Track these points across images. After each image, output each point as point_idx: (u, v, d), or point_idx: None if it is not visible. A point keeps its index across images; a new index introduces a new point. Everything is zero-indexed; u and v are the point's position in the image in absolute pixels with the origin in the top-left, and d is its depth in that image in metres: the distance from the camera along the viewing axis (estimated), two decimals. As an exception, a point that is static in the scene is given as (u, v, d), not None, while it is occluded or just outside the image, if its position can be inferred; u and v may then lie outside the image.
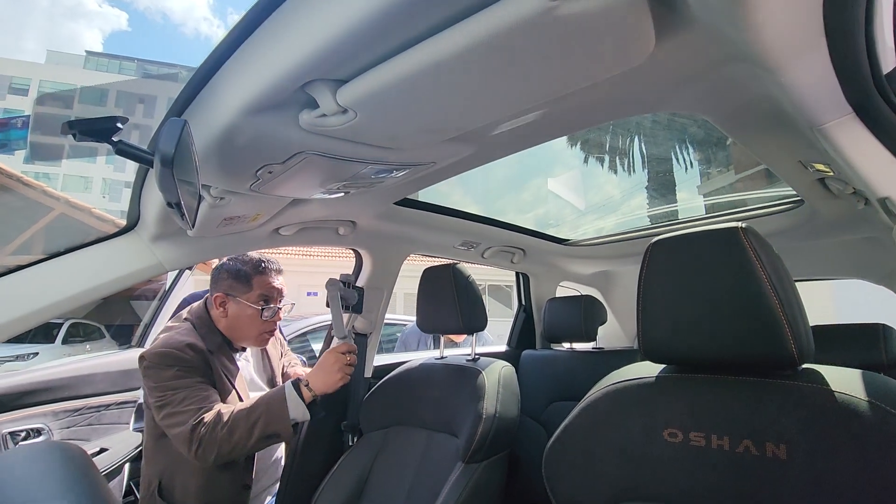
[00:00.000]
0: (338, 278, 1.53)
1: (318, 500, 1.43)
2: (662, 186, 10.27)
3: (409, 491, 1.34)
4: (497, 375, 1.38)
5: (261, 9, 0.49)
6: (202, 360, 1.27)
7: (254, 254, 1.39)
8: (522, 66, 0.52)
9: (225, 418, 1.17)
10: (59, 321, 8.46)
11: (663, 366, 0.89)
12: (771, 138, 0.92)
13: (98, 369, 1.71)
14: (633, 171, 11.04)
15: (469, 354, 1.56)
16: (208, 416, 1.16)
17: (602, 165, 11.34)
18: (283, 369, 1.61)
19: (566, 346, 2.14)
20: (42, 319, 1.07)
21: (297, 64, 0.51)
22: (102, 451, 1.67)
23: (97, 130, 0.59)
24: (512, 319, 2.38)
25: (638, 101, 0.84)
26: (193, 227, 0.76)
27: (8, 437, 1.36)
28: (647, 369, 0.90)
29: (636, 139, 10.48)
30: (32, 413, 1.46)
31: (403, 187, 1.21)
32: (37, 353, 7.11)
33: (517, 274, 2.34)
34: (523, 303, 2.35)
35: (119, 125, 0.61)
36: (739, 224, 0.77)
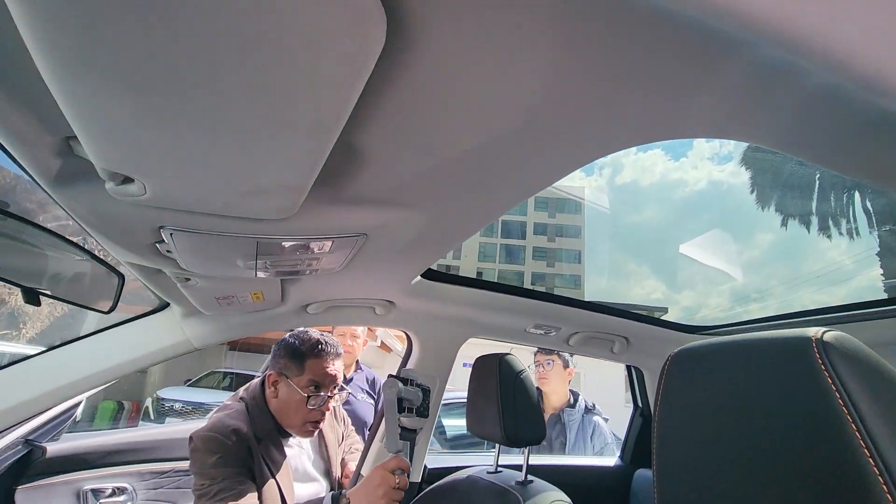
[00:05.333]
0: (398, 375, 1.27)
1: None
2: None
3: None
4: None
5: None
6: (245, 449, 1.19)
7: (314, 332, 1.28)
8: None
9: None
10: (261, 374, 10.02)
11: None
12: None
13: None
14: (857, 234, 8.70)
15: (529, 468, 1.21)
16: None
17: (808, 230, 9.24)
18: (342, 457, 1.48)
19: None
20: (83, 390, 1.16)
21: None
22: (187, 516, 1.73)
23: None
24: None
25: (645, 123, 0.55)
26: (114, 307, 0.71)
27: (90, 493, 1.49)
28: None
29: (855, 194, 8.31)
30: (118, 472, 1.59)
31: (409, 259, 1.03)
32: (244, 399, 8.36)
33: (627, 366, 1.86)
34: (640, 405, 1.84)
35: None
36: (820, 330, 0.40)
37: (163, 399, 8.11)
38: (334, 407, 1.49)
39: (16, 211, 0.65)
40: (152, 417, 8.07)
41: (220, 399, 8.13)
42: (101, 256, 0.77)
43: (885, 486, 0.35)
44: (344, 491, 1.11)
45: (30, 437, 1.32)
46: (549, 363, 2.19)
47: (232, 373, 10.24)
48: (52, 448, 1.39)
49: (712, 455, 0.46)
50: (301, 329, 1.29)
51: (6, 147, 0.45)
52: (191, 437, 1.19)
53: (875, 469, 0.35)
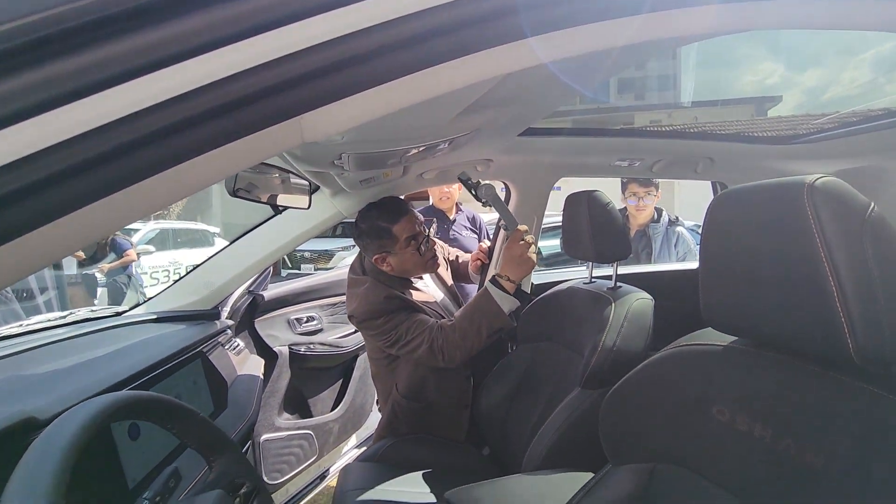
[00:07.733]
0: (471, 180, 1.49)
1: (483, 391, 1.75)
2: None
3: (546, 403, 1.51)
4: (626, 308, 1.34)
5: None
6: (400, 300, 1.44)
7: (373, 207, 1.48)
8: None
9: (451, 330, 1.35)
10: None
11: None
12: None
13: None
14: None
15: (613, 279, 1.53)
16: (437, 332, 1.35)
17: None
18: (447, 260, 1.84)
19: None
20: (270, 262, 1.62)
21: None
22: (357, 331, 2.37)
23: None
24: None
25: None
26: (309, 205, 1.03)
27: (294, 321, 2.12)
28: (722, 336, 0.79)
29: None
30: (308, 306, 2.20)
31: (504, 129, 1.23)
32: (354, 245, 9.56)
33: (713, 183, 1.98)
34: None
35: None
36: (814, 177, 0.57)
37: (294, 250, 9.62)
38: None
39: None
40: (290, 265, 9.73)
41: (338, 244, 9.45)
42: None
43: (840, 308, 0.53)
44: (497, 274, 1.38)
45: (251, 289, 1.88)
46: (649, 194, 2.34)
47: (340, 222, 11.58)
48: (266, 294, 1.98)
49: (737, 263, 0.69)
50: (361, 211, 1.50)
51: None
52: (351, 317, 1.47)
53: (835, 289, 0.53)
